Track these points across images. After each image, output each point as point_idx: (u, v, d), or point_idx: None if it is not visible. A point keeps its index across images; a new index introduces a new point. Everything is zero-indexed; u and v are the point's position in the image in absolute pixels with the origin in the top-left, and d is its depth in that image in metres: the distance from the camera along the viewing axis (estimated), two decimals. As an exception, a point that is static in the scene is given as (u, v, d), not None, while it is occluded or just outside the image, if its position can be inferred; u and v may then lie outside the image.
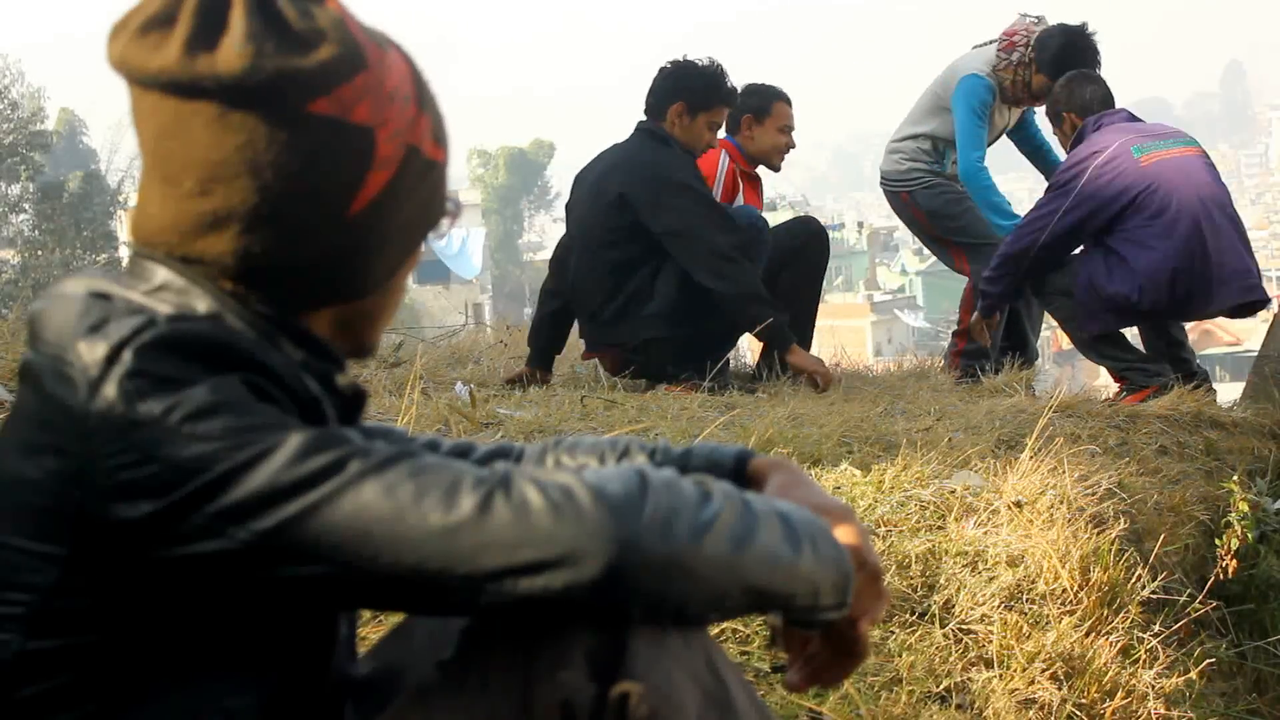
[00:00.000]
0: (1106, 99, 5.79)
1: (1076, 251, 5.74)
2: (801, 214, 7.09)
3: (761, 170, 6.17)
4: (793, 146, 6.01)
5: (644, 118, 5.44)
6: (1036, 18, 6.41)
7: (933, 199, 6.54)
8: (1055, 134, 6.02)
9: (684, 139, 5.33)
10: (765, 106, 5.93)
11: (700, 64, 5.38)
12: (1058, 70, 6.10)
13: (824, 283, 6.12)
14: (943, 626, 2.82)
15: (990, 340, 6.12)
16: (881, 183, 6.85)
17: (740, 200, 5.96)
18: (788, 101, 5.99)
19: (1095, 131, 5.64)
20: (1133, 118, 5.76)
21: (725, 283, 5.12)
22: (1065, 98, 5.82)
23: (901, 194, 6.67)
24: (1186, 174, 5.50)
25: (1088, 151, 5.55)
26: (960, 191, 6.52)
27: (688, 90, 5.32)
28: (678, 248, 5.16)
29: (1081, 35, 6.18)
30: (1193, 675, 2.98)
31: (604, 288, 5.28)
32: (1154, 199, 5.40)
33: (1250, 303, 5.55)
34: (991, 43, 6.52)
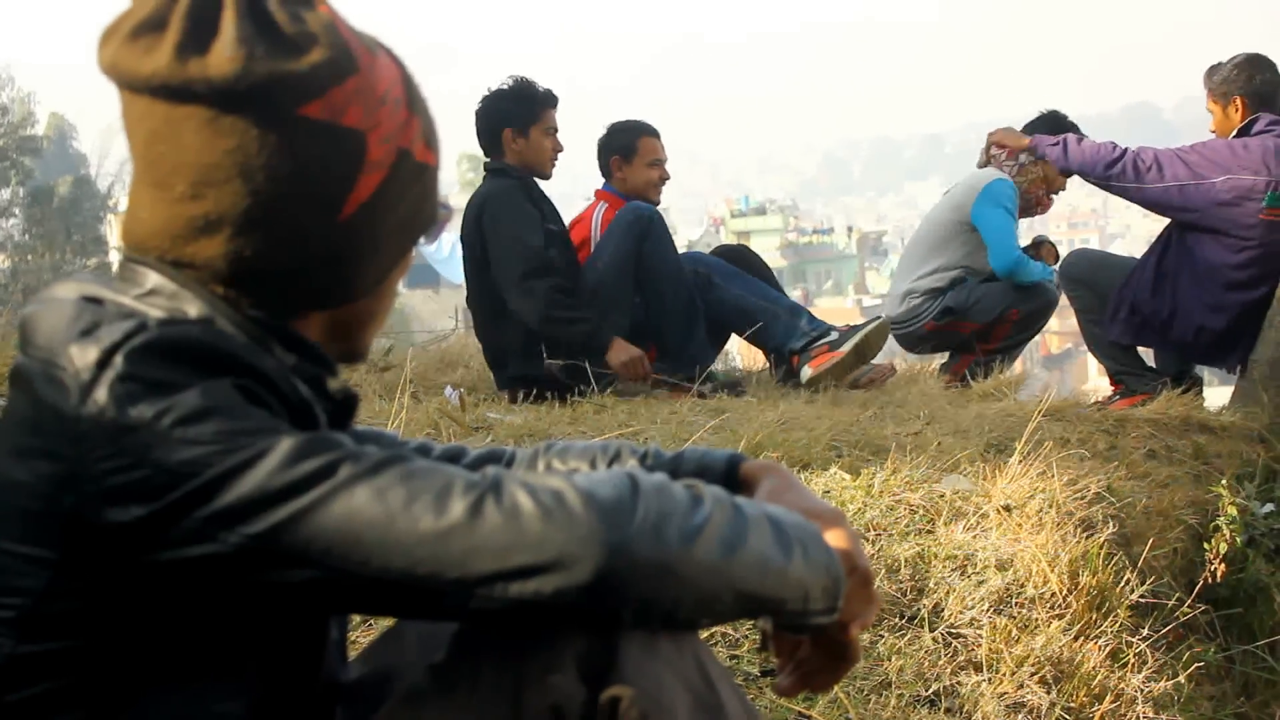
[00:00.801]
0: (1276, 89, 5.60)
1: (1121, 253, 5.71)
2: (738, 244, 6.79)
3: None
4: (666, 179, 5.93)
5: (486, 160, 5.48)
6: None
7: (958, 301, 6.23)
8: (1211, 109, 5.72)
9: (529, 159, 5.37)
10: (631, 144, 5.85)
11: (505, 86, 5.43)
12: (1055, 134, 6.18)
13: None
14: (932, 630, 2.83)
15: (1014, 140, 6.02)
16: (894, 331, 6.40)
17: None
18: (655, 135, 5.92)
19: (1256, 135, 5.47)
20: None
21: (522, 311, 5.16)
22: (1242, 79, 5.57)
23: (925, 325, 6.31)
24: None
25: (1238, 159, 5.40)
26: (967, 283, 6.30)
27: (507, 114, 5.37)
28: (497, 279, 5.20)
29: (1056, 112, 6.31)
30: (1181, 679, 2.98)
31: (487, 333, 5.37)
32: (1243, 254, 5.39)
33: None
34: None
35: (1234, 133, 5.57)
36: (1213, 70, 5.72)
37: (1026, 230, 6.69)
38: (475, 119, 5.43)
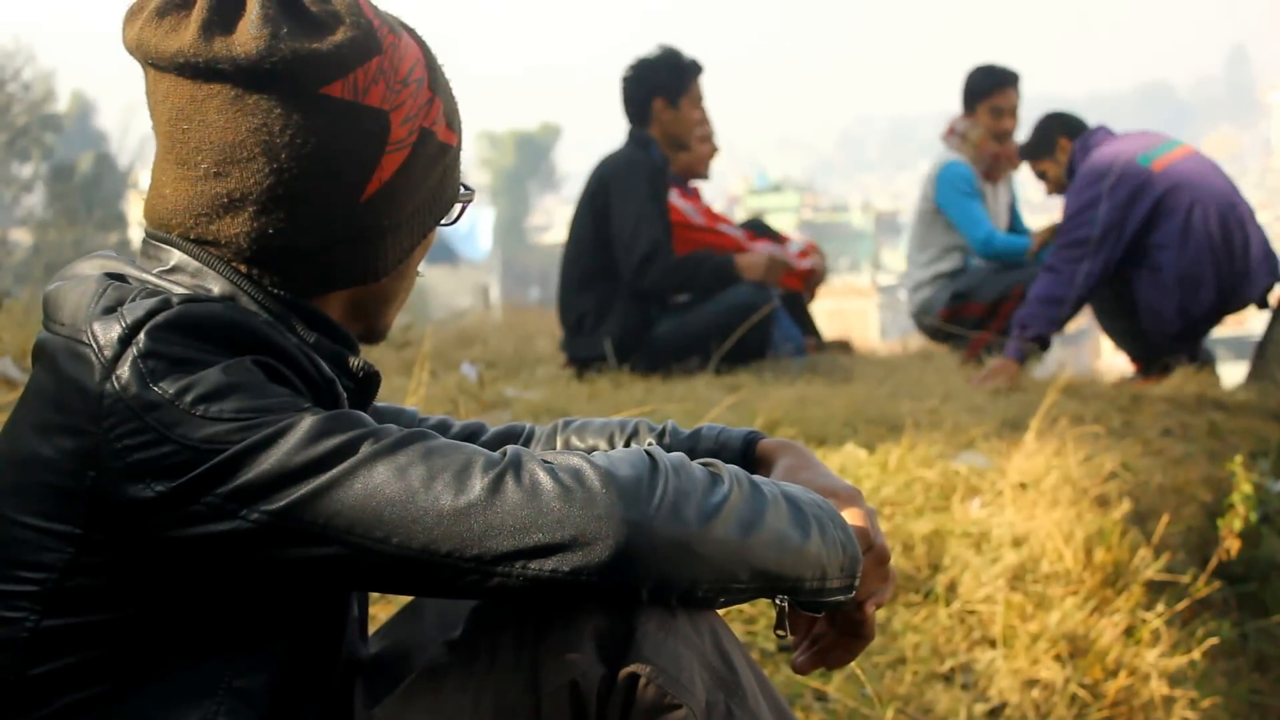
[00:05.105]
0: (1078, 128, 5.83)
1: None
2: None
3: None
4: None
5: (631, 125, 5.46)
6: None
7: (964, 285, 6.33)
8: (1047, 169, 5.90)
9: (675, 130, 5.38)
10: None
11: (655, 56, 5.42)
12: (979, 89, 6.40)
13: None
14: (947, 606, 2.84)
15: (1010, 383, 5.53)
16: (914, 320, 6.70)
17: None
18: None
19: (1086, 153, 5.58)
20: (1110, 132, 5.72)
21: (641, 289, 5.13)
22: (1056, 125, 5.83)
23: (939, 314, 6.39)
24: (1200, 173, 5.48)
25: (1092, 176, 5.44)
26: (970, 264, 6.45)
27: (657, 84, 5.36)
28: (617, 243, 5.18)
29: (975, 68, 6.55)
30: (1195, 655, 2.99)
31: (570, 297, 5.34)
32: (1179, 201, 5.37)
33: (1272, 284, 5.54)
34: None
35: (1067, 170, 5.73)
36: (1025, 145, 6.00)
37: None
38: (623, 87, 5.43)
